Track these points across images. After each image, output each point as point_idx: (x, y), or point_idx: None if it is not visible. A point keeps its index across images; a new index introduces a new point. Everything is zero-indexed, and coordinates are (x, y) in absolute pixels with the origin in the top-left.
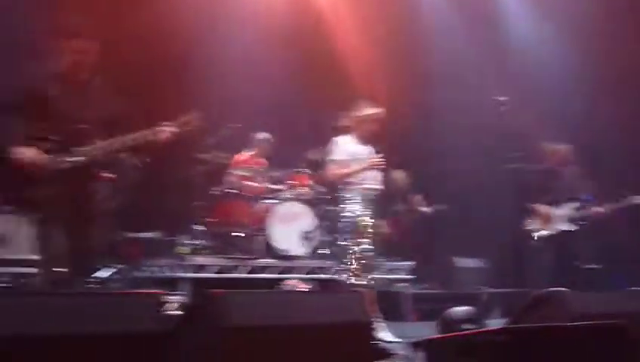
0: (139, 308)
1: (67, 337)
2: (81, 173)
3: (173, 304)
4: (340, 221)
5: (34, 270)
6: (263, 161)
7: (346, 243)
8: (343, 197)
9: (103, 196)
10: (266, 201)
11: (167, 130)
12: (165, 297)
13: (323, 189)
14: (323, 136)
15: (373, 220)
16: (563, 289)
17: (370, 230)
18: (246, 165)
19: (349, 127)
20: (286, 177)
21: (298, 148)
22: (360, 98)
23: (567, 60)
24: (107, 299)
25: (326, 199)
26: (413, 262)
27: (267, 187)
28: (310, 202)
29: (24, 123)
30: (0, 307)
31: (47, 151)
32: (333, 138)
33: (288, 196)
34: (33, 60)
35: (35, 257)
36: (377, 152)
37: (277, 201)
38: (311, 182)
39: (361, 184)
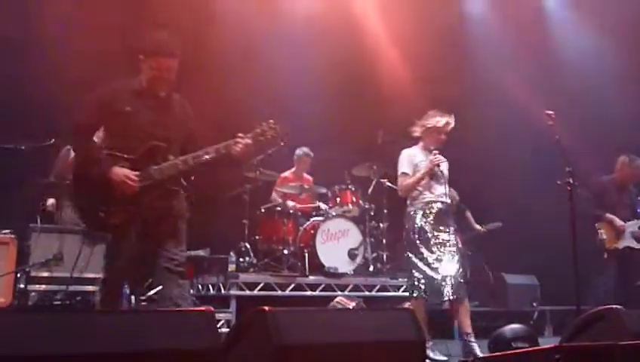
0: (190, 326)
1: (120, 355)
2: (158, 191)
3: (223, 322)
4: (406, 235)
5: (90, 288)
6: (308, 178)
7: (410, 257)
8: (409, 210)
9: (180, 212)
10: (313, 218)
11: (242, 143)
12: (215, 314)
13: (368, 206)
14: (368, 153)
15: (439, 233)
16: (618, 306)
17: (438, 243)
18: (292, 183)
19: (419, 138)
20: (332, 194)
21: (343, 165)
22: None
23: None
24: (159, 316)
25: (371, 216)
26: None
27: (313, 204)
28: (356, 219)
29: (104, 139)
30: (56, 324)
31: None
32: (403, 150)
33: (334, 213)
34: (113, 75)
35: (91, 275)
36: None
37: (323, 218)
38: (356, 199)
39: (425, 197)
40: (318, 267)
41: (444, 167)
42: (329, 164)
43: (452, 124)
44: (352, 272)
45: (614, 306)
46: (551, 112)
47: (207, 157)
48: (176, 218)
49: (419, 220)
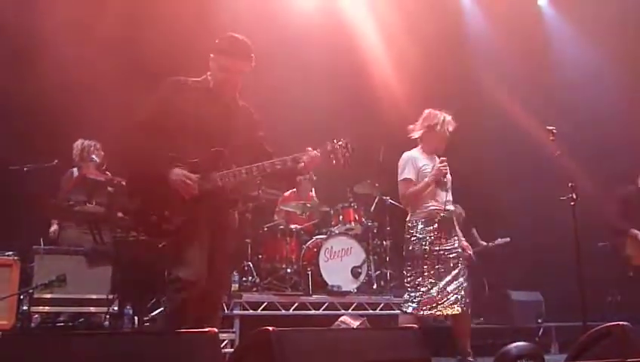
0: (194, 347)
1: None
2: (218, 199)
3: (226, 342)
4: (405, 247)
5: (92, 309)
6: (311, 195)
7: (409, 272)
8: (410, 220)
9: (235, 225)
10: (316, 237)
11: (310, 156)
12: (219, 335)
13: (371, 223)
14: (370, 170)
15: (442, 245)
16: (625, 323)
17: (441, 255)
18: (294, 201)
19: (419, 139)
20: (334, 212)
21: (345, 183)
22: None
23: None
24: (163, 338)
25: (374, 233)
26: None
27: (316, 222)
28: (359, 237)
29: (165, 141)
30: (59, 346)
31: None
32: (403, 153)
33: (337, 231)
34: (180, 73)
35: (94, 296)
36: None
37: (326, 237)
38: (358, 217)
39: (428, 205)
40: (321, 285)
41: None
42: (331, 182)
43: (453, 122)
44: (356, 290)
45: (621, 323)
46: (552, 128)
47: (272, 168)
48: (231, 234)
49: (420, 231)
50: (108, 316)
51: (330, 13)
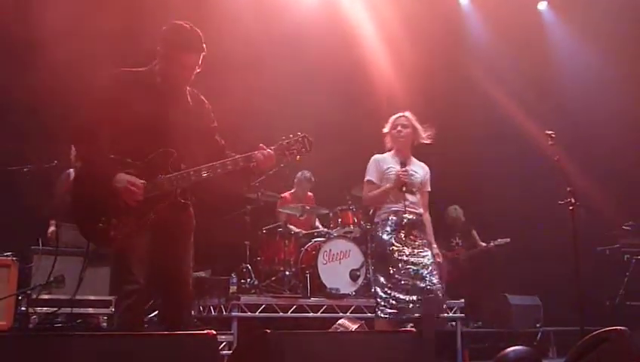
0: (192, 349)
1: None
2: (166, 203)
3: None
4: (372, 251)
5: (90, 310)
6: (310, 195)
7: (376, 275)
8: (375, 222)
9: (189, 228)
10: (314, 239)
11: (263, 154)
12: (217, 337)
13: (369, 226)
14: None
15: (407, 248)
16: (622, 328)
17: (406, 259)
18: (291, 203)
19: (388, 142)
20: (333, 215)
21: (344, 186)
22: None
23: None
24: (161, 339)
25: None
26: (461, 300)
27: (315, 225)
28: (357, 239)
29: (109, 141)
30: (57, 347)
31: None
32: (373, 156)
33: (335, 234)
34: (125, 64)
35: (92, 297)
36: (403, 165)
37: (324, 239)
38: (357, 220)
39: (391, 207)
40: (319, 288)
41: (420, 174)
42: (329, 184)
43: (405, 115)
44: (354, 293)
45: (619, 327)
46: (551, 132)
47: (224, 168)
48: (185, 233)
49: (386, 234)
50: (106, 317)
51: (330, 14)
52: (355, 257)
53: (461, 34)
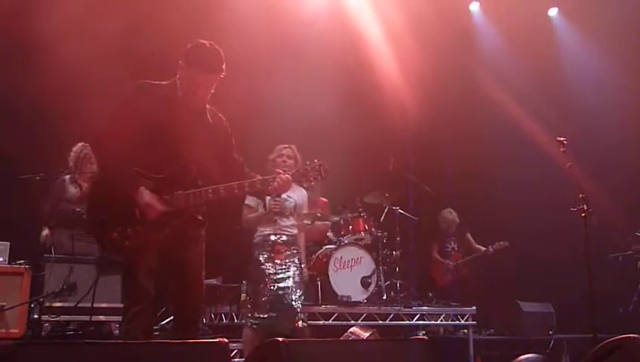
0: (204, 357)
1: None
2: (182, 218)
3: (235, 352)
4: (251, 267)
5: (102, 317)
6: (324, 200)
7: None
8: (254, 242)
9: (202, 240)
10: (325, 247)
11: (282, 179)
12: (228, 344)
13: (380, 233)
14: (380, 180)
15: (276, 267)
16: (635, 336)
17: (277, 278)
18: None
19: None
20: (344, 222)
21: (355, 193)
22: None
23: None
24: (173, 347)
25: (384, 243)
26: (473, 307)
27: (326, 233)
28: (368, 247)
29: (131, 152)
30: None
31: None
32: None
33: (347, 241)
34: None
35: (104, 305)
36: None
37: (335, 247)
38: (368, 227)
39: (265, 230)
40: (331, 296)
41: (294, 199)
42: (341, 192)
43: (291, 147)
44: (366, 301)
45: (632, 335)
46: (562, 139)
47: (241, 190)
48: (196, 242)
49: (259, 254)
50: (118, 325)
51: (337, 19)
52: (366, 264)
53: (470, 39)
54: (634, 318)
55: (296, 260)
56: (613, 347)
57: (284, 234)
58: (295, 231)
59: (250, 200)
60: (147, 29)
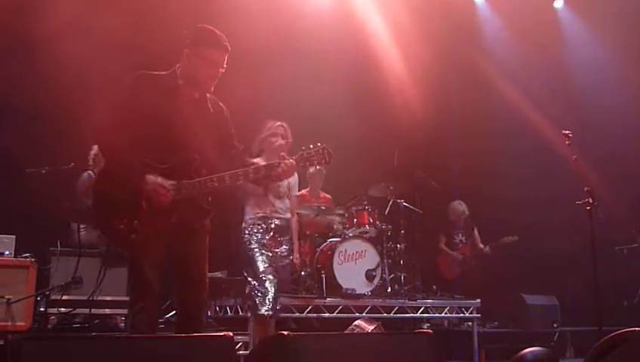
0: (209, 351)
1: None
2: (189, 207)
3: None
4: (241, 252)
5: (108, 311)
6: (327, 196)
7: (246, 275)
8: (243, 226)
9: (207, 231)
10: (330, 240)
11: (286, 164)
12: (234, 338)
13: (385, 227)
14: (385, 173)
15: (271, 252)
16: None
17: (269, 262)
18: (308, 202)
19: (258, 151)
20: (349, 215)
21: (360, 186)
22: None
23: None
24: (178, 341)
25: (388, 236)
26: (478, 300)
27: (330, 225)
28: (373, 240)
29: (135, 143)
30: (74, 348)
31: None
32: None
33: (351, 234)
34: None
35: (110, 298)
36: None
37: (340, 239)
38: (372, 220)
39: (259, 212)
40: (335, 288)
41: (292, 182)
42: (345, 184)
43: (283, 125)
44: (370, 293)
45: (637, 329)
46: (568, 132)
47: (246, 177)
48: (201, 234)
49: (253, 237)
50: (124, 318)
51: (341, 12)
52: (370, 257)
53: (475, 32)
54: (639, 311)
55: (290, 243)
56: (619, 340)
57: (277, 218)
58: (288, 215)
59: None
60: (151, 22)
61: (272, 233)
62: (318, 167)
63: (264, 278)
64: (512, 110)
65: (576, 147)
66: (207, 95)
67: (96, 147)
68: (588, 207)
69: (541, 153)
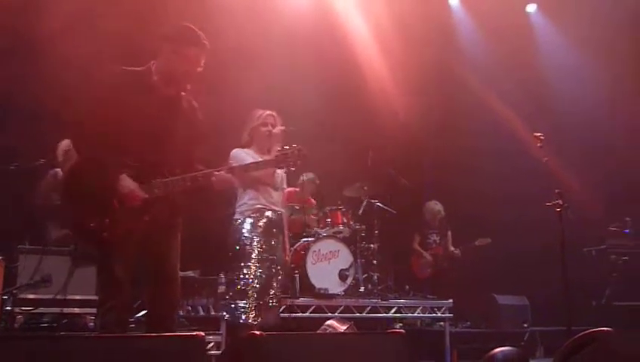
0: (180, 351)
1: None
2: (160, 206)
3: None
4: (232, 247)
5: (76, 310)
6: (312, 201)
7: (237, 272)
8: (236, 218)
9: (178, 230)
10: (303, 239)
11: (217, 176)
12: (205, 338)
13: (359, 227)
14: (359, 174)
15: (265, 246)
16: (609, 329)
17: (263, 258)
18: (292, 201)
19: (250, 141)
20: (322, 215)
21: (334, 186)
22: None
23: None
24: (149, 341)
25: (362, 236)
26: (450, 300)
27: (304, 225)
28: (346, 240)
29: (110, 140)
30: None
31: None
32: (234, 149)
33: (325, 234)
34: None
35: (78, 297)
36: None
37: (314, 239)
38: (346, 220)
39: (255, 204)
40: (308, 288)
41: (282, 175)
42: (319, 184)
43: (274, 115)
44: (343, 293)
45: (605, 328)
46: (540, 134)
47: (218, 175)
48: (172, 233)
49: (247, 230)
50: (93, 317)
51: (322, 11)
52: (344, 257)
53: (451, 34)
54: (607, 311)
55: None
56: (587, 340)
57: (272, 210)
58: (282, 209)
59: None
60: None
61: (266, 226)
62: (311, 176)
63: (258, 269)
64: (486, 110)
65: (549, 148)
66: (182, 93)
67: (65, 143)
68: (558, 209)
69: (515, 154)
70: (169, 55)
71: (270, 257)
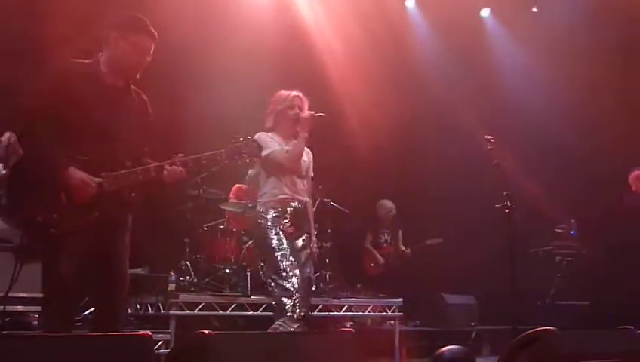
0: (127, 351)
1: None
2: (111, 201)
3: (161, 343)
4: (257, 241)
5: (20, 308)
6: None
7: (264, 269)
8: (259, 210)
9: (128, 226)
10: None
11: (168, 170)
12: (153, 336)
13: (316, 225)
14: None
15: (293, 238)
16: (552, 328)
17: (291, 250)
18: (238, 200)
19: (273, 125)
20: None
21: None
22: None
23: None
24: (95, 340)
25: (315, 235)
26: (400, 299)
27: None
28: None
29: (57, 133)
30: None
31: None
32: (259, 133)
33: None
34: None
35: (23, 295)
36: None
37: None
38: None
39: (279, 193)
40: (261, 286)
41: (308, 158)
42: None
43: (300, 96)
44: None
45: (549, 327)
46: (490, 137)
47: (170, 168)
48: (121, 230)
49: (272, 221)
50: (37, 315)
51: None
52: None
53: (406, 35)
54: (551, 311)
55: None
56: (532, 338)
57: (298, 201)
58: (307, 198)
59: (274, 145)
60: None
61: (291, 218)
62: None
63: (288, 274)
64: (439, 111)
65: (499, 150)
66: (132, 86)
67: (8, 135)
68: (507, 210)
69: (466, 156)
70: (119, 43)
71: (298, 251)
